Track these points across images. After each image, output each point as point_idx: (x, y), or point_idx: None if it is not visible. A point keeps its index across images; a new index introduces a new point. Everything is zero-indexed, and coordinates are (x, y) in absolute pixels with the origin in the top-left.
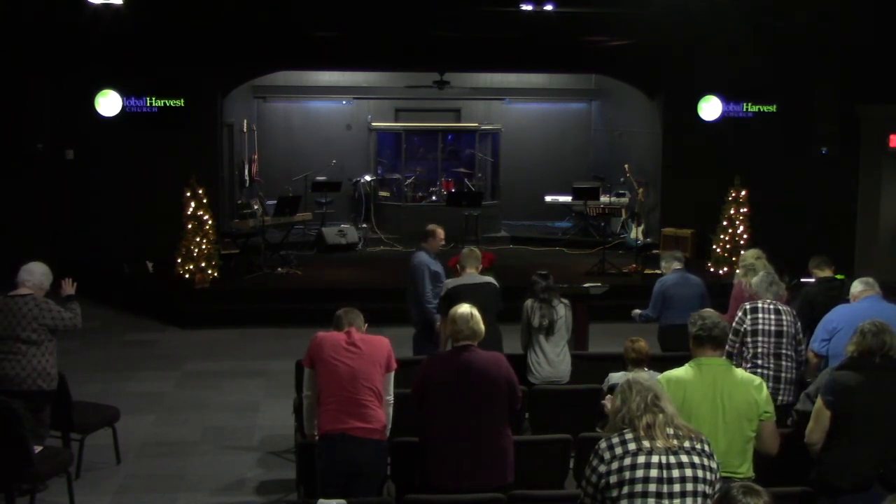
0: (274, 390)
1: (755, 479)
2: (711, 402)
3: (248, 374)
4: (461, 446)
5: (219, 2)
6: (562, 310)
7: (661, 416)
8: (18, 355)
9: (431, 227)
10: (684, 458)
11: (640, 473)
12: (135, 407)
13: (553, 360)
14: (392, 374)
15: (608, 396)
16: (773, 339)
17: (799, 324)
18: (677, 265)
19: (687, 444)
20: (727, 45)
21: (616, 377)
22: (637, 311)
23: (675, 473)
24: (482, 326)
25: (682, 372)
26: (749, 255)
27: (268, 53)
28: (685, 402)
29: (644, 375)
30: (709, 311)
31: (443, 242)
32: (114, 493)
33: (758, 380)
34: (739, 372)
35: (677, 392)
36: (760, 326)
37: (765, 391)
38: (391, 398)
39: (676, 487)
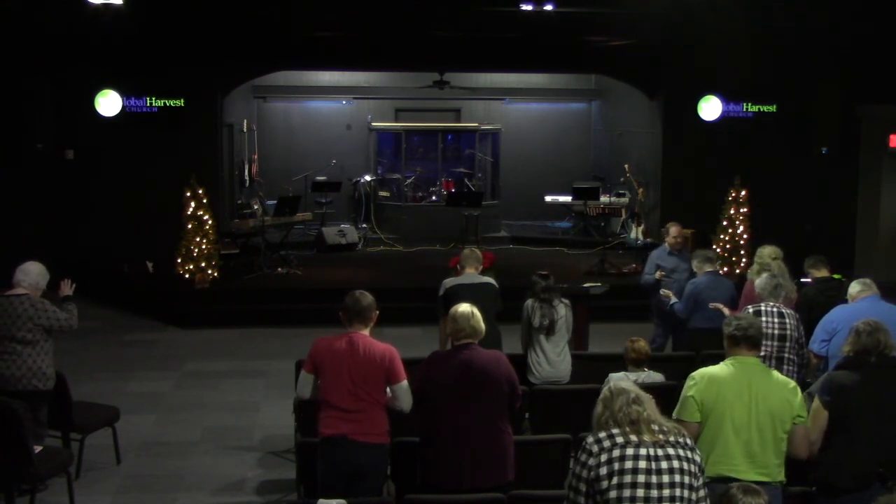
0: (274, 390)
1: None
2: (746, 401)
3: (248, 374)
4: (462, 444)
5: (219, 2)
6: (562, 310)
7: (644, 413)
8: (14, 355)
9: (668, 225)
10: (671, 451)
11: (629, 465)
12: (135, 407)
13: (553, 360)
14: (404, 384)
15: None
16: (775, 343)
17: (801, 327)
18: (709, 267)
19: (672, 437)
20: (727, 45)
21: (616, 377)
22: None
23: (664, 465)
24: (483, 325)
25: (718, 369)
26: (766, 254)
27: (268, 53)
28: (719, 399)
29: (656, 377)
30: (744, 312)
31: (676, 238)
32: (114, 493)
33: (792, 383)
34: (775, 374)
35: (711, 388)
36: (763, 330)
37: (800, 395)
38: (407, 408)
39: (665, 478)
